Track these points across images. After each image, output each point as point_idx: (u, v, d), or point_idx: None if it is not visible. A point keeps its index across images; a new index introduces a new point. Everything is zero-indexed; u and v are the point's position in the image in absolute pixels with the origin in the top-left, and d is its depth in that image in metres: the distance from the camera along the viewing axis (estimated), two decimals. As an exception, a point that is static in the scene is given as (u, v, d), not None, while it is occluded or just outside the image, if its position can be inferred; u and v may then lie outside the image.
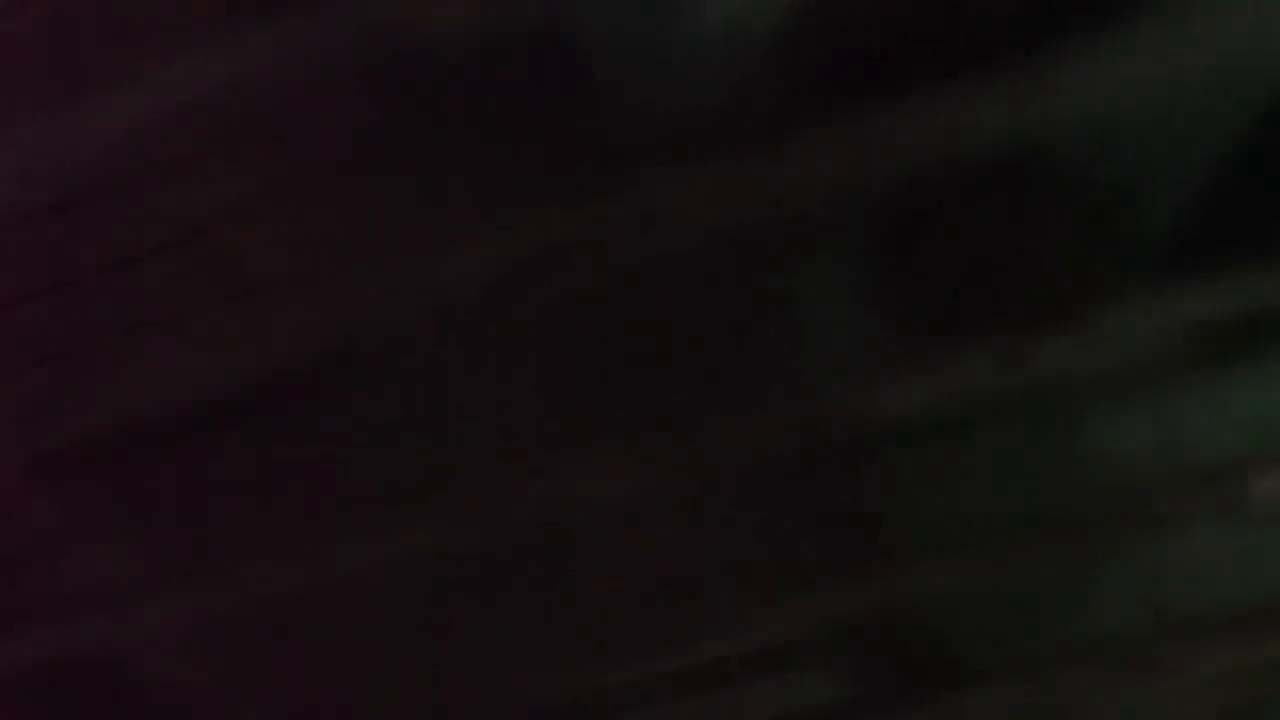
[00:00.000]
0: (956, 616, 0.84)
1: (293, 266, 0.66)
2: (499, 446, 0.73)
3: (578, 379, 0.72)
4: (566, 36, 0.61)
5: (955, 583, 0.80)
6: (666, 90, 0.64)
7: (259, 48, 0.60)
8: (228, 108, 0.62)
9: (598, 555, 0.78)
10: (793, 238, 0.68)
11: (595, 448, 0.74)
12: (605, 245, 0.65)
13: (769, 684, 0.84)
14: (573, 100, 0.63)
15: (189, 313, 0.68)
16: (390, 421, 0.73)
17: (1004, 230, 0.70)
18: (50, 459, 0.75)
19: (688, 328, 0.71)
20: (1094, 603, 0.84)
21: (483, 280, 0.67)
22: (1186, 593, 0.85)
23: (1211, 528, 0.83)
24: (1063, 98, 0.64)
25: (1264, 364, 0.78)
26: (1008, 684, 0.87)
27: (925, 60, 0.64)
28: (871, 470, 0.77)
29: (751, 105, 0.64)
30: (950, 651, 0.85)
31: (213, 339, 0.69)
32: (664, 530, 0.78)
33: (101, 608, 0.80)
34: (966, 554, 0.80)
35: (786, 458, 0.75)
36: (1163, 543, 0.82)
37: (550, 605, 0.80)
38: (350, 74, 0.61)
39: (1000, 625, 0.85)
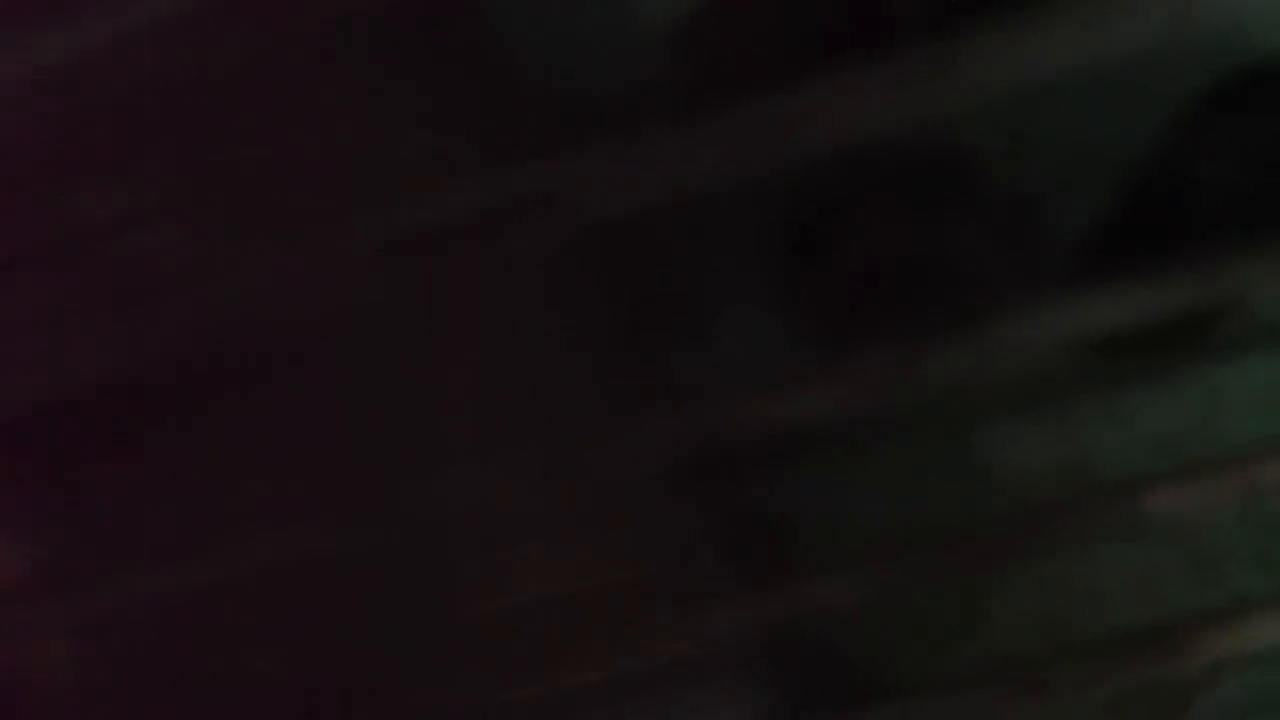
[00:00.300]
0: (854, 634, 0.83)
1: (193, 259, 0.64)
2: (394, 449, 0.71)
3: (468, 376, 0.70)
4: (478, 10, 0.60)
5: (852, 598, 0.79)
6: (572, 70, 0.62)
7: (141, 14, 0.58)
8: (100, 74, 0.60)
9: (488, 563, 0.76)
10: (692, 230, 0.67)
11: (486, 451, 0.72)
12: (498, 225, 0.64)
13: (664, 699, 0.83)
14: (475, 77, 0.61)
15: (88, 306, 0.66)
16: (272, 422, 0.71)
17: (909, 232, 0.69)
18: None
19: (581, 323, 0.69)
20: (992, 620, 0.83)
21: (369, 265, 0.65)
22: (1085, 611, 0.84)
23: (1111, 546, 0.82)
24: (973, 94, 0.63)
25: (1165, 379, 0.77)
26: (907, 704, 0.85)
27: (833, 49, 0.63)
28: (768, 478, 0.75)
29: (656, 89, 0.62)
30: (849, 670, 0.84)
31: (111, 332, 0.66)
32: (556, 537, 0.76)
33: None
34: (864, 568, 0.79)
35: (679, 463, 0.73)
36: (1061, 560, 0.81)
37: (443, 614, 0.78)
38: (243, 34, 0.59)
39: (898, 643, 0.84)
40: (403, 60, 0.62)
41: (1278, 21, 0.66)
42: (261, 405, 0.70)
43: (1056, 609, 0.84)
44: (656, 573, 0.78)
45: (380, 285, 0.65)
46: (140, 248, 0.66)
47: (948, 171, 0.70)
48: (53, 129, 0.63)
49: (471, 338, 0.68)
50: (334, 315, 0.67)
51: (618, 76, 0.64)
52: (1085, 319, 0.72)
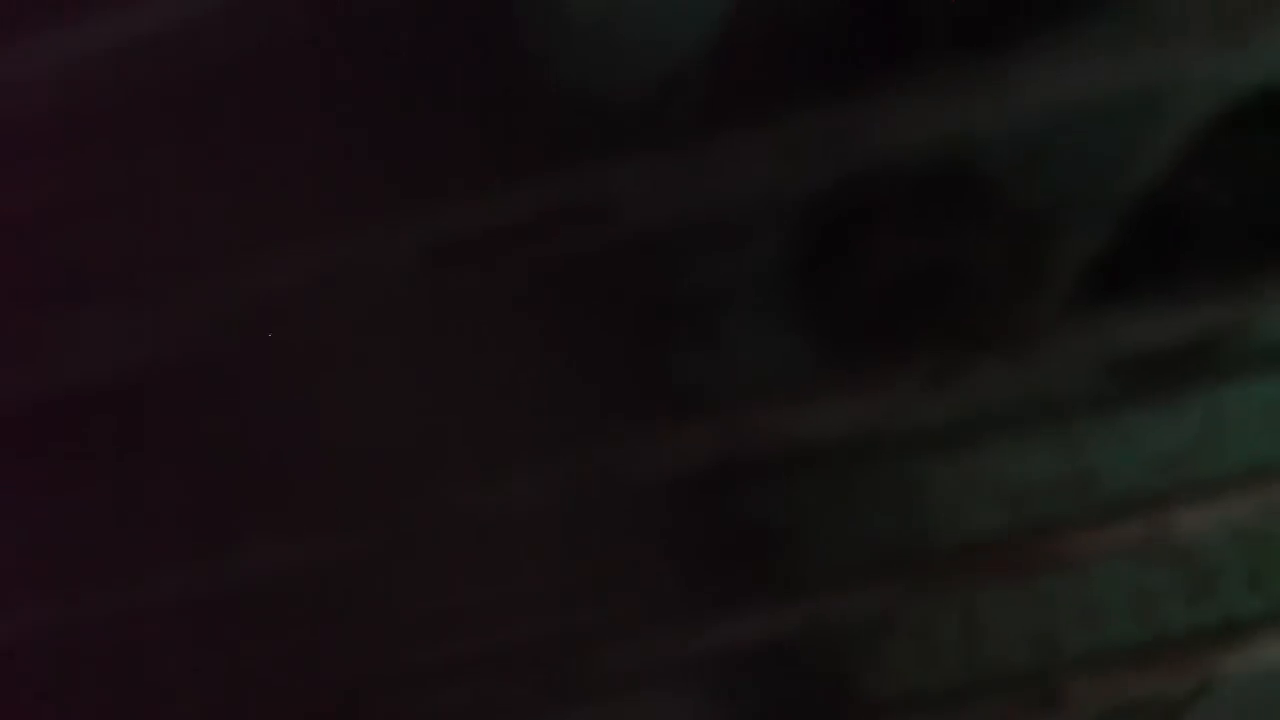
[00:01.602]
0: (852, 648, 0.83)
1: (218, 260, 0.65)
2: (404, 453, 0.72)
3: (479, 382, 0.71)
4: (504, 20, 0.60)
5: (854, 613, 0.79)
6: (601, 83, 0.63)
7: (174, 10, 0.59)
8: (145, 67, 0.60)
9: (493, 566, 0.77)
10: (718, 240, 0.68)
11: (503, 459, 0.72)
12: (532, 237, 0.64)
13: (659, 705, 0.83)
14: (508, 87, 0.62)
15: (100, 304, 0.66)
16: (296, 418, 0.72)
17: (923, 249, 0.70)
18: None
19: (598, 334, 0.70)
20: (994, 635, 0.84)
21: (382, 275, 0.66)
22: (1079, 628, 0.85)
23: (1107, 563, 0.83)
24: (997, 112, 0.64)
25: (1167, 399, 0.79)
26: (902, 719, 0.86)
27: (862, 67, 0.64)
28: (777, 491, 0.76)
29: (682, 102, 0.64)
30: (846, 685, 0.85)
31: (127, 332, 0.67)
32: (560, 543, 0.77)
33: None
34: (866, 583, 0.80)
35: (696, 475, 0.74)
36: (1058, 577, 0.82)
37: (449, 620, 0.78)
38: (281, 36, 0.59)
39: (895, 658, 0.85)
40: (438, 64, 0.63)
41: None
42: (281, 409, 0.71)
43: (1052, 626, 0.85)
44: (664, 582, 0.79)
45: (412, 291, 0.66)
46: (166, 249, 0.66)
47: (962, 189, 0.71)
48: (69, 128, 0.63)
49: (495, 346, 0.69)
50: (367, 320, 0.68)
51: (649, 87, 0.66)
52: (1095, 338, 0.73)
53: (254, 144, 0.62)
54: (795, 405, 0.72)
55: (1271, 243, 0.73)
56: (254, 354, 0.69)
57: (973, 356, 0.72)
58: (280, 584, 0.77)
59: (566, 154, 0.64)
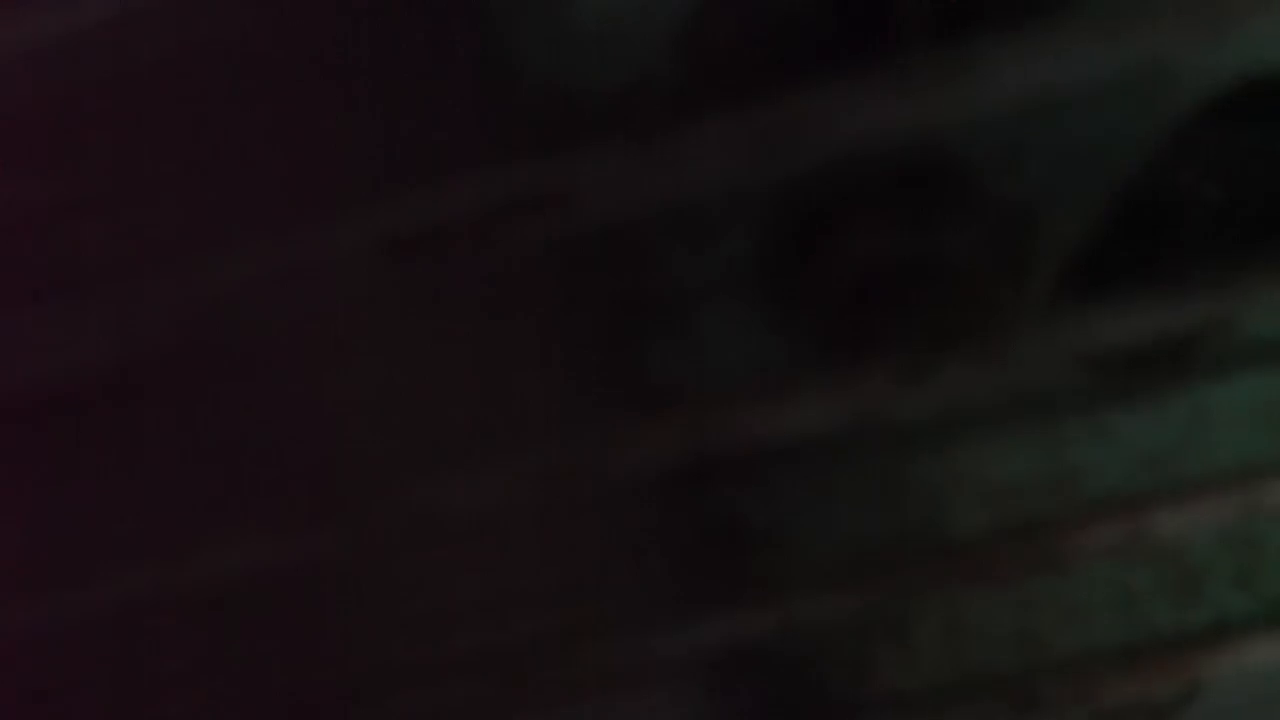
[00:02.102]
0: (835, 649, 0.82)
1: (182, 253, 0.64)
2: (386, 450, 0.71)
3: (454, 373, 0.70)
4: (467, 10, 0.59)
5: (835, 613, 0.78)
6: (571, 69, 0.62)
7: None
8: (104, 56, 0.59)
9: (466, 564, 0.76)
10: (689, 234, 0.66)
11: (473, 455, 0.71)
12: (492, 229, 0.63)
13: (636, 704, 0.82)
14: (470, 74, 0.61)
15: (73, 297, 0.65)
16: (259, 414, 0.70)
17: (903, 240, 0.69)
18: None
19: (572, 328, 0.69)
20: (977, 636, 0.83)
21: (361, 262, 0.65)
22: (1064, 629, 0.84)
23: (1093, 563, 0.82)
24: (976, 102, 0.63)
25: (1151, 397, 0.77)
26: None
27: (836, 56, 0.63)
28: (755, 489, 0.75)
29: (655, 90, 0.62)
30: (828, 686, 0.83)
31: (97, 326, 0.66)
32: (545, 541, 0.75)
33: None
34: (847, 583, 0.78)
35: (670, 472, 0.73)
36: (1042, 577, 0.81)
37: (415, 616, 0.77)
38: (243, 23, 0.58)
39: (878, 659, 0.84)
40: (399, 54, 0.62)
41: (1276, 34, 0.67)
42: (252, 404, 0.69)
43: (1036, 626, 0.83)
44: (641, 580, 0.78)
45: (375, 284, 0.65)
46: (129, 241, 0.65)
47: (942, 180, 0.70)
48: (38, 114, 0.62)
49: (463, 339, 0.68)
50: (328, 313, 0.66)
51: (617, 76, 0.64)
52: (1077, 334, 0.72)
53: (211, 137, 0.61)
54: (771, 402, 0.71)
55: (1257, 237, 0.72)
56: (221, 350, 0.67)
57: (951, 352, 0.70)
58: (265, 582, 0.75)
59: (531, 144, 0.63)
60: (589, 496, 0.73)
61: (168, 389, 0.69)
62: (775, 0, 0.64)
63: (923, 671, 0.84)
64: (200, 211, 0.63)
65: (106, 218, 0.63)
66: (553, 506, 0.73)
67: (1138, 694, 0.84)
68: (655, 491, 0.74)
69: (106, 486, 0.73)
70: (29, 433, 0.71)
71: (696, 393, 0.70)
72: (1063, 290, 0.72)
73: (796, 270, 0.69)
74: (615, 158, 0.64)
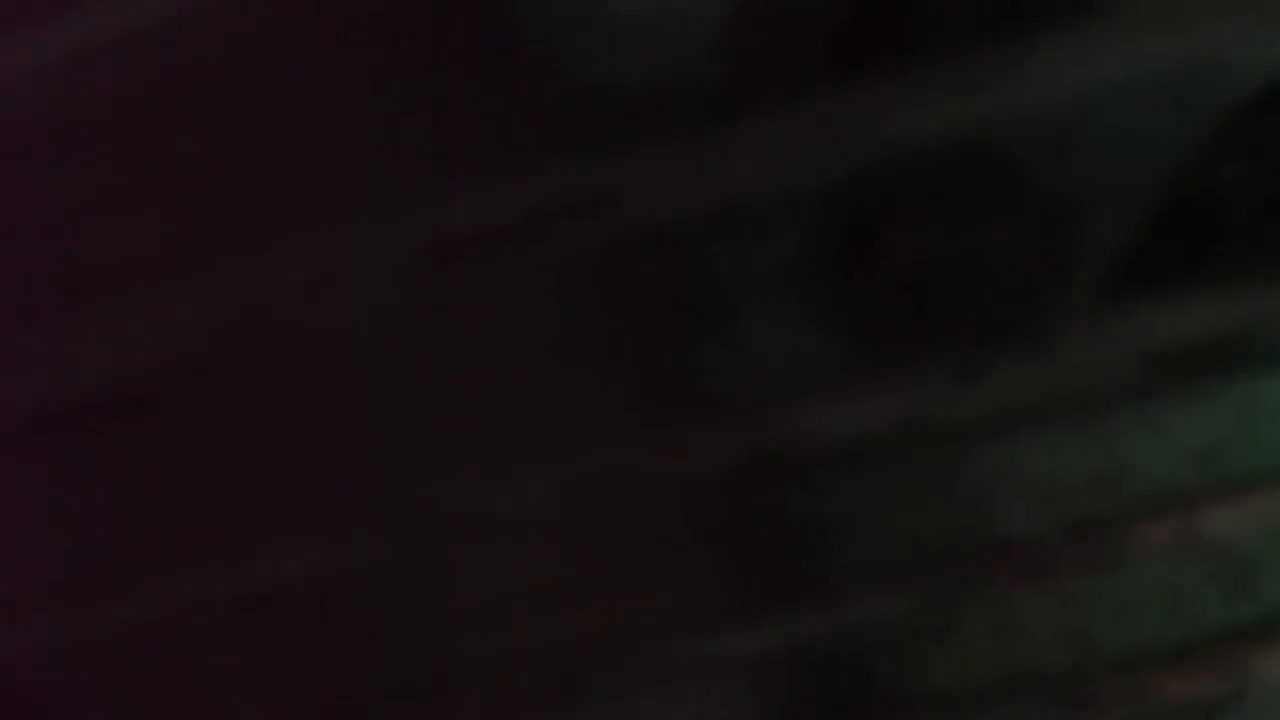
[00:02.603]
0: (887, 647, 0.82)
1: (224, 260, 0.64)
2: (420, 454, 0.71)
3: (502, 377, 0.70)
4: (515, 9, 0.59)
5: (889, 612, 0.78)
6: (608, 71, 0.62)
7: (168, 6, 0.58)
8: (136, 63, 0.59)
9: (520, 567, 0.76)
10: (737, 234, 0.66)
11: (524, 458, 0.71)
12: (539, 230, 0.63)
13: (690, 704, 0.82)
14: (513, 76, 0.61)
15: (104, 308, 0.65)
16: (303, 421, 0.71)
17: (951, 239, 0.69)
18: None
19: (621, 329, 0.69)
20: (1027, 634, 0.83)
21: (405, 267, 0.65)
22: (1115, 626, 0.83)
23: (1143, 560, 0.81)
24: (1024, 99, 0.63)
25: (1201, 392, 0.77)
26: (937, 718, 0.85)
27: (883, 53, 0.63)
28: (812, 489, 0.75)
29: (700, 90, 0.62)
30: (881, 685, 0.83)
31: (131, 335, 0.66)
32: (587, 544, 0.75)
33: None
34: (900, 582, 0.78)
35: (723, 474, 0.73)
36: (1093, 574, 0.81)
37: (469, 619, 0.77)
38: (283, 27, 0.58)
39: (930, 657, 0.83)
40: (441, 56, 0.62)
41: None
42: (296, 410, 0.70)
43: (1086, 623, 0.83)
44: (695, 581, 0.78)
45: (421, 288, 0.65)
46: (173, 249, 0.65)
47: (989, 178, 0.69)
48: (61, 130, 0.62)
49: (510, 343, 0.68)
50: (374, 318, 0.66)
51: (662, 76, 0.64)
52: (1127, 330, 0.71)
53: (253, 142, 0.61)
54: (822, 402, 0.71)
55: (1306, 230, 0.71)
56: (260, 356, 0.67)
57: (1002, 350, 0.70)
58: (312, 589, 0.76)
59: (577, 146, 0.63)
60: (642, 499, 0.73)
61: (211, 396, 0.69)
62: (815, 1, 0.64)
63: (973, 669, 0.84)
64: (245, 217, 0.63)
65: (148, 225, 0.63)
66: (606, 510, 0.73)
67: (1188, 691, 0.83)
68: (708, 493, 0.74)
69: (148, 497, 0.73)
70: (72, 444, 0.72)
71: (748, 394, 0.70)
72: (1112, 286, 0.72)
73: (846, 269, 0.69)
74: (662, 158, 0.64)
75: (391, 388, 0.69)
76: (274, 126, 0.61)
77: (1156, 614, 0.83)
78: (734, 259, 0.68)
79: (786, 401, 0.70)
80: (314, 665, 0.78)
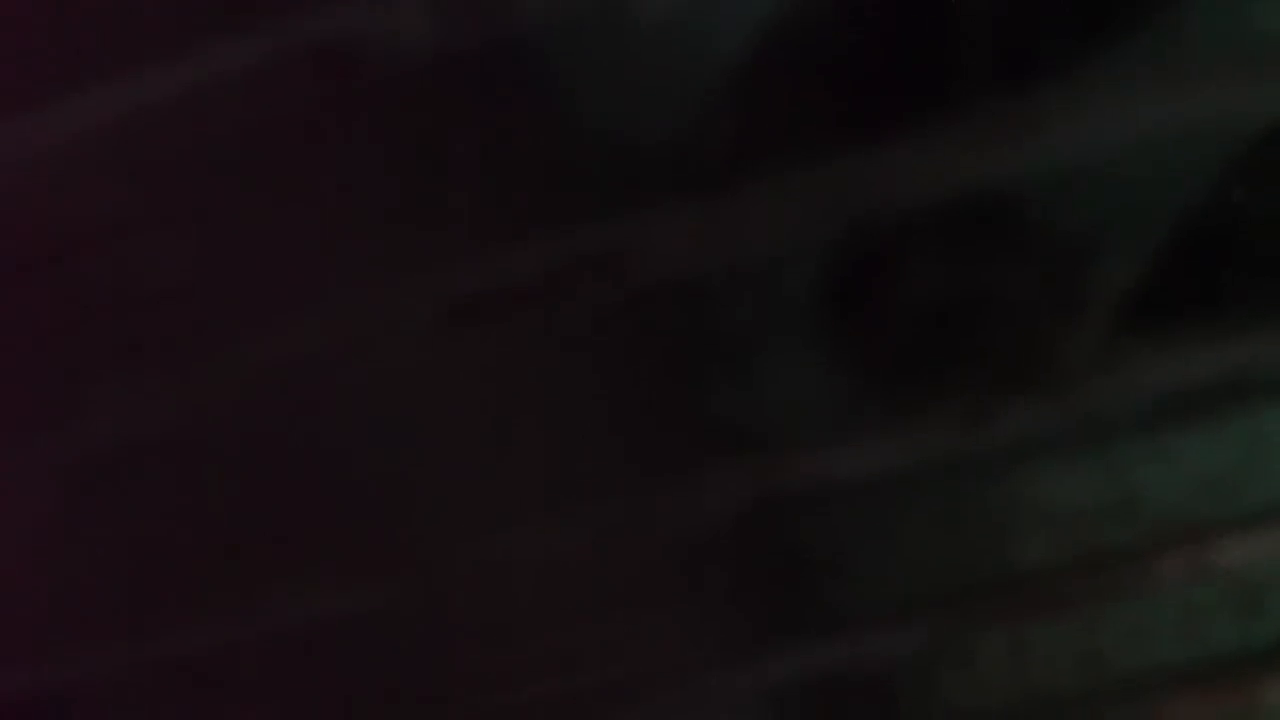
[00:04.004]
0: (903, 677, 0.83)
1: (245, 318, 0.64)
2: (441, 501, 0.71)
3: (522, 428, 0.70)
4: (527, 69, 0.60)
5: (907, 642, 0.79)
6: (622, 125, 0.62)
7: (210, 64, 0.58)
8: (177, 126, 0.60)
9: (539, 615, 0.76)
10: (750, 284, 0.67)
11: (544, 505, 0.72)
12: (554, 289, 0.64)
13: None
14: (528, 136, 0.62)
15: (141, 361, 0.66)
16: (326, 470, 0.71)
17: (960, 281, 0.69)
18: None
19: (637, 379, 0.69)
20: (1041, 658, 0.83)
21: (423, 320, 0.65)
22: (1126, 650, 0.84)
23: (1156, 586, 0.82)
24: (1033, 145, 0.63)
25: (1209, 421, 0.78)
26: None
27: (889, 104, 0.63)
28: (824, 527, 0.75)
29: (709, 143, 0.63)
30: (893, 710, 0.84)
31: (164, 388, 0.66)
32: (606, 591, 0.76)
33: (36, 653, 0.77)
34: (915, 614, 0.79)
35: (741, 515, 0.73)
36: (1115, 603, 0.81)
37: (497, 657, 0.78)
38: (304, 93, 0.59)
39: (942, 681, 0.84)
40: (456, 116, 0.63)
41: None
42: (321, 459, 0.70)
43: (1100, 648, 0.84)
44: (711, 619, 0.78)
45: (439, 345, 0.66)
46: (192, 306, 0.66)
47: (998, 221, 0.70)
48: (89, 196, 0.63)
49: (527, 395, 0.69)
50: (395, 372, 0.67)
51: (674, 134, 0.65)
52: (1137, 369, 0.72)
53: (275, 207, 0.62)
54: (833, 445, 0.71)
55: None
56: (291, 408, 0.68)
57: (1013, 390, 0.71)
58: (326, 630, 0.76)
59: (587, 202, 0.63)
60: (660, 540, 0.74)
61: (245, 445, 0.70)
62: (830, 48, 0.64)
63: (987, 695, 0.85)
64: (272, 280, 0.64)
65: (181, 287, 0.64)
66: (625, 551, 0.74)
67: (1202, 715, 0.84)
68: (726, 532, 0.74)
69: (180, 537, 0.74)
70: (107, 484, 0.72)
71: (764, 439, 0.71)
72: (1123, 324, 0.72)
73: (856, 314, 0.70)
74: (672, 211, 0.64)
75: (416, 438, 0.69)
76: (295, 192, 0.61)
77: (1169, 640, 0.83)
78: (747, 307, 0.68)
79: (801, 445, 0.71)
80: (337, 708, 0.78)
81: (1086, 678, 0.84)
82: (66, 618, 0.77)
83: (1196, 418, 0.76)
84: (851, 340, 0.70)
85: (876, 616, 0.79)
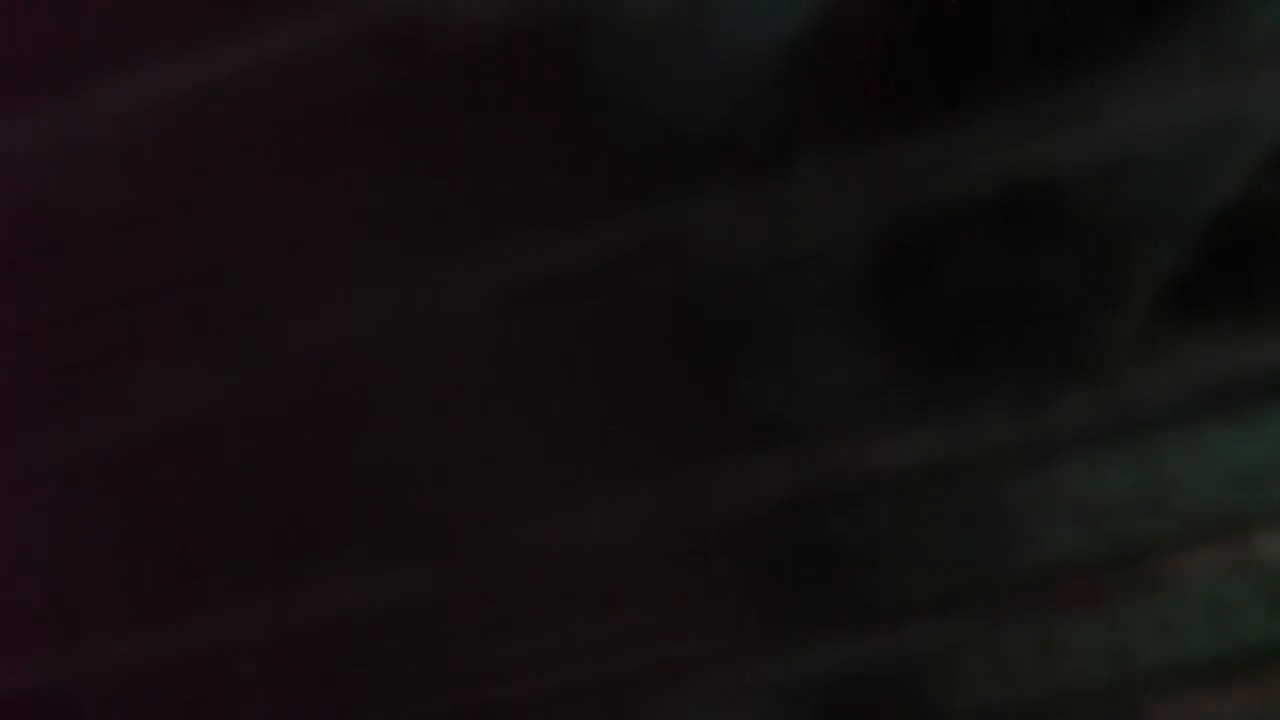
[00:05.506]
0: (935, 668, 0.83)
1: (300, 300, 0.64)
2: (485, 486, 0.71)
3: (568, 415, 0.70)
4: (579, 53, 0.60)
5: (940, 634, 0.79)
6: (671, 114, 0.63)
7: (251, 54, 0.58)
8: (219, 110, 0.60)
9: (574, 602, 0.76)
10: (800, 272, 0.67)
11: (584, 491, 0.72)
12: (608, 274, 0.64)
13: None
14: (580, 121, 0.62)
15: (189, 343, 0.66)
16: (370, 457, 0.71)
17: (1012, 272, 0.70)
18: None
19: (679, 366, 0.69)
20: (1070, 652, 0.84)
21: (478, 305, 0.65)
22: (1165, 643, 0.84)
23: (1198, 582, 0.82)
24: (1078, 136, 0.63)
25: (1245, 414, 0.78)
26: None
27: (937, 94, 0.63)
28: (862, 517, 0.75)
29: (758, 132, 0.63)
30: (928, 703, 0.84)
31: (211, 370, 0.66)
32: (641, 579, 0.76)
33: (50, 645, 0.77)
34: (948, 605, 0.79)
35: (780, 503, 0.73)
36: (1147, 596, 0.81)
37: (530, 647, 0.78)
38: (363, 74, 0.59)
39: (978, 677, 0.84)
40: (508, 104, 0.63)
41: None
42: (359, 443, 0.70)
43: (1129, 642, 0.84)
44: (742, 611, 0.78)
45: (491, 329, 0.66)
46: (254, 292, 0.66)
47: (1041, 212, 0.70)
48: (142, 173, 0.63)
49: (575, 380, 0.69)
50: (446, 357, 0.67)
51: (727, 120, 0.65)
52: (1178, 358, 0.72)
53: (325, 188, 0.62)
54: (877, 434, 0.71)
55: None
56: (331, 395, 0.68)
57: (1058, 382, 0.71)
58: (366, 615, 0.76)
59: (641, 188, 0.63)
60: (699, 528, 0.74)
61: (286, 429, 0.69)
62: (878, 38, 0.65)
63: (1018, 688, 0.85)
64: (327, 262, 0.64)
65: (232, 268, 0.64)
66: (662, 539, 0.74)
67: (1231, 710, 0.84)
68: (761, 523, 0.74)
69: (210, 526, 0.74)
70: (139, 471, 0.72)
71: (804, 427, 0.71)
72: (1164, 315, 0.72)
73: (902, 303, 0.70)
74: (725, 198, 0.64)
75: (459, 423, 0.69)
76: (353, 174, 0.61)
77: (1202, 634, 0.83)
78: (796, 295, 0.68)
79: (847, 433, 0.71)
80: (368, 695, 0.78)
81: (1114, 671, 0.84)
82: (75, 613, 0.77)
83: (1232, 411, 0.77)
84: (896, 328, 0.70)
85: (911, 607, 0.79)
